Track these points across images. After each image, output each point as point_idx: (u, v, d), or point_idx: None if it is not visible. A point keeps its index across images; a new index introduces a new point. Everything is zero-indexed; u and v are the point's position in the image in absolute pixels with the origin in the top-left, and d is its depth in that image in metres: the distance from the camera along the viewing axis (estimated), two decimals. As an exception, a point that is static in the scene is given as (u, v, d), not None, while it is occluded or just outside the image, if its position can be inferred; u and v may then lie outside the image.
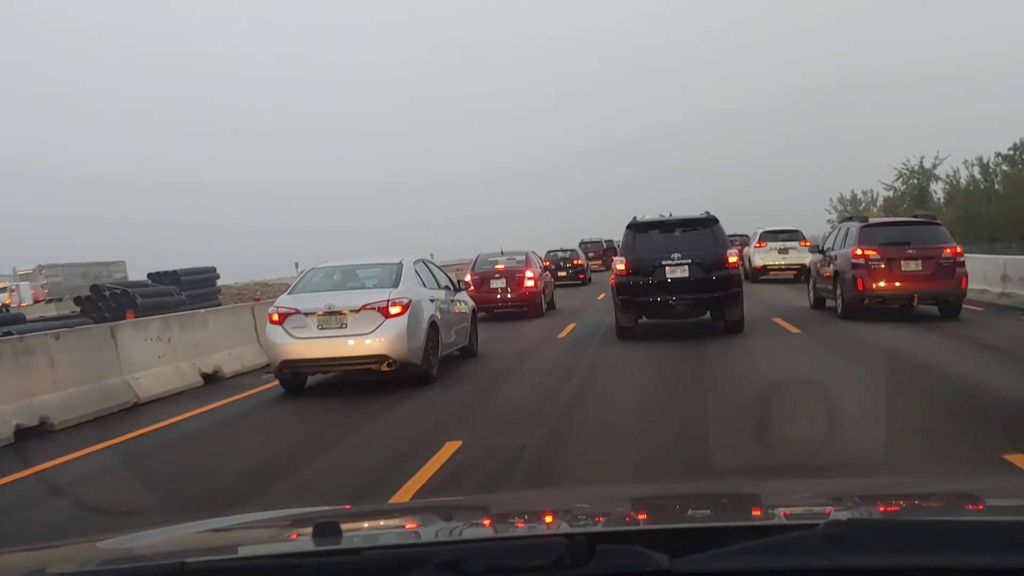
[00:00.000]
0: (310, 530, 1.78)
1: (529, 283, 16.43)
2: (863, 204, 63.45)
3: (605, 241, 37.98)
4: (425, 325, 9.05)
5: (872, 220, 13.56)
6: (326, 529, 1.68)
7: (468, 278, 16.34)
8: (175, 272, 24.27)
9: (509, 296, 16.40)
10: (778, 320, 13.11)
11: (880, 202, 61.03)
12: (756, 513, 2.02)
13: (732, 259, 11.79)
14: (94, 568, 1.71)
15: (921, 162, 57.16)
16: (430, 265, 10.67)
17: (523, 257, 17.34)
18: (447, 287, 10.59)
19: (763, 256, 23.62)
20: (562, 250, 28.93)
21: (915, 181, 57.40)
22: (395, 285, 9.06)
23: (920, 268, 12.27)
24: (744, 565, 1.36)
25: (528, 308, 16.51)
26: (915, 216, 16.97)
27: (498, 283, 16.43)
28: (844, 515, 1.73)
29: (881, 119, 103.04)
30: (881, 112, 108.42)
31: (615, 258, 12.84)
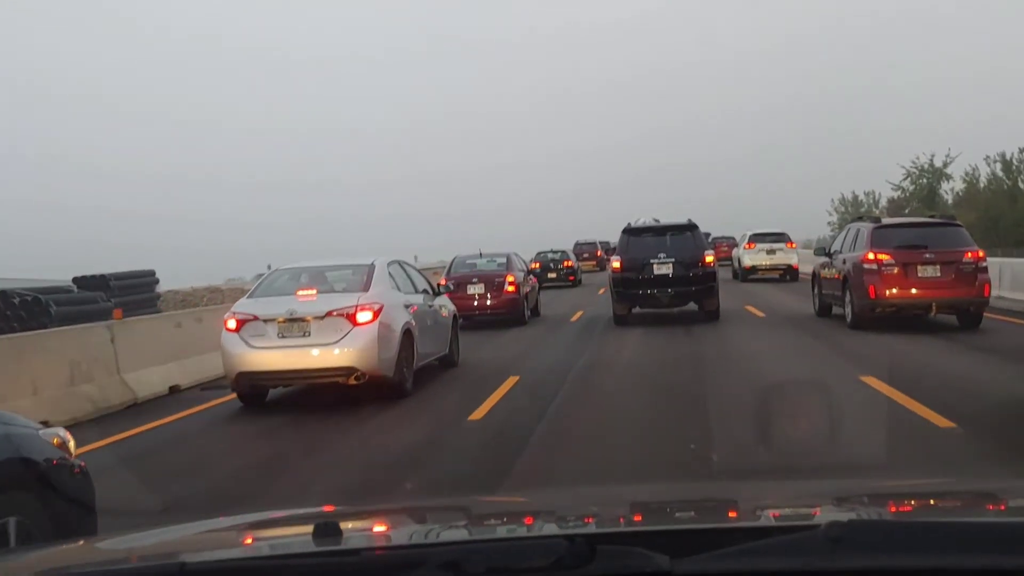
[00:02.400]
0: (310, 530, 1.86)
1: (510, 288, 16.22)
2: (865, 206, 64.04)
3: (600, 243, 40.82)
4: (398, 333, 8.92)
5: (885, 221, 13.53)
6: (326, 529, 1.77)
7: (443, 283, 16.26)
8: (103, 276, 23.36)
9: (488, 303, 16.17)
10: (884, 388, 7.81)
11: (883, 203, 61.59)
12: (757, 514, 2.10)
13: (709, 259, 15.05)
14: (94, 568, 1.80)
15: (931, 160, 57.46)
16: (407, 267, 10.55)
17: (504, 260, 17.18)
18: (425, 291, 10.54)
19: (752, 257, 26.73)
20: (552, 251, 30.42)
21: (924, 180, 57.84)
22: (365, 289, 8.92)
23: (939, 274, 12.21)
24: (745, 566, 1.44)
25: (509, 315, 16.31)
26: (932, 216, 17.06)
27: (476, 288, 16.18)
28: (845, 516, 1.84)
29: (885, 120, 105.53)
30: (885, 113, 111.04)
31: (611, 258, 15.73)
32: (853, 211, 60.90)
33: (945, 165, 56.78)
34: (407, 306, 9.45)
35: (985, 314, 12.69)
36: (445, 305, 11.23)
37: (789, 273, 26.37)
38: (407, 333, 9.12)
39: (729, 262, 29.44)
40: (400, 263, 10.37)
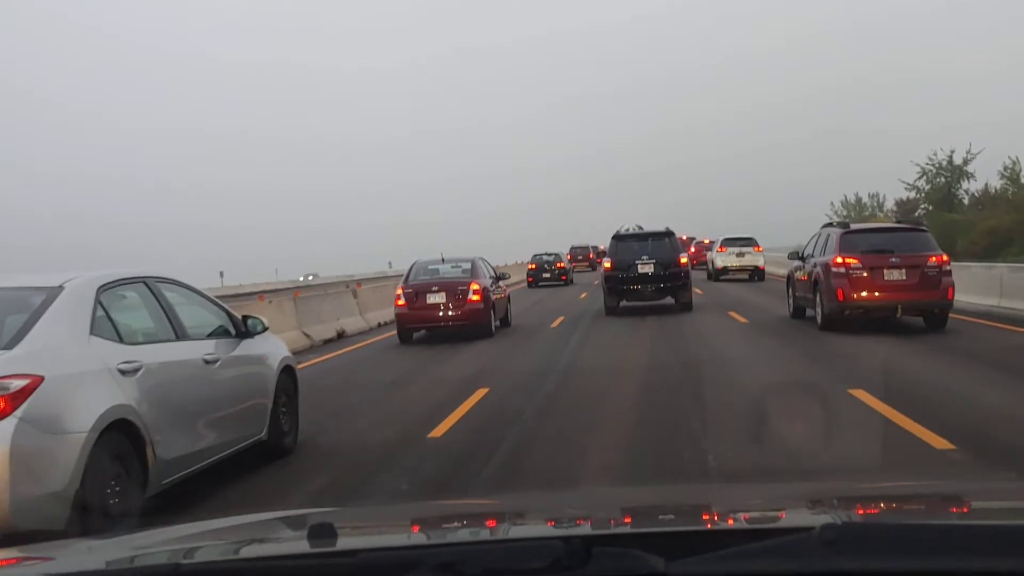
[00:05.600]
0: (305, 531, 2.02)
1: (474, 297, 16.05)
2: (869, 209, 64.68)
3: (592, 247, 53.29)
4: (83, 436, 4.73)
5: (854, 226, 14.94)
6: (321, 531, 1.92)
7: (399, 292, 16.37)
8: None
9: (451, 313, 16.04)
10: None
11: (890, 205, 61.81)
12: (752, 516, 2.31)
13: (683, 260, 19.65)
14: (89, 568, 1.98)
15: (950, 158, 56.52)
16: (170, 289, 6.43)
17: (468, 265, 17.15)
18: (224, 331, 6.82)
19: (724, 259, 32.68)
20: (547, 254, 38.76)
21: (942, 179, 57.21)
22: (9, 345, 4.85)
23: (904, 277, 13.51)
24: (740, 568, 1.58)
25: (473, 327, 15.97)
26: (898, 222, 18.51)
27: (436, 298, 16.07)
28: (840, 519, 2.04)
29: (893, 123, 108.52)
30: (893, 116, 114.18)
31: (601, 260, 22.22)
32: (856, 214, 61.81)
33: (965, 163, 55.22)
34: (128, 371, 5.31)
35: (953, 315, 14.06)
36: (262, 354, 7.19)
37: (756, 274, 31.94)
38: (118, 428, 5.04)
39: (705, 266, 35.43)
40: (148, 283, 6.20)
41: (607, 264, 19.94)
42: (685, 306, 19.37)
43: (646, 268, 19.31)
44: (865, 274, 13.61)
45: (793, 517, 2.24)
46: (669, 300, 19.76)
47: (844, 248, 13.93)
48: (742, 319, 17.32)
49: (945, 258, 13.82)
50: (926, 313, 13.94)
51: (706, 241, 41.63)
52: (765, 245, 33.86)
